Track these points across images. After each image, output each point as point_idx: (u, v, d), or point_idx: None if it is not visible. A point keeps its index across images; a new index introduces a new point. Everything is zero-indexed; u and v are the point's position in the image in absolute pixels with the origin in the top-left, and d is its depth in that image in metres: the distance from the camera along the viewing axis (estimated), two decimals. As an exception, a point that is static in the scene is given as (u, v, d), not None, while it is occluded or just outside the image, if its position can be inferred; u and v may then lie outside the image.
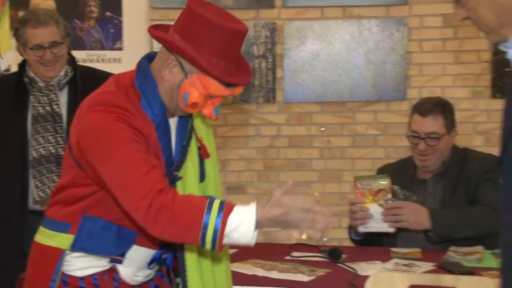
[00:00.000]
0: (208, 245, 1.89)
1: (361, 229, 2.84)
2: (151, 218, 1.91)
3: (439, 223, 2.69)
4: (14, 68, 3.52)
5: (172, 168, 2.14)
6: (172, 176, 2.13)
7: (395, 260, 2.67)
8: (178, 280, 2.29)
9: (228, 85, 2.03)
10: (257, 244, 3.57)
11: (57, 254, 2.14)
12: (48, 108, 3.00)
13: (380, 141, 4.45)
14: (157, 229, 1.93)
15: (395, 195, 2.87)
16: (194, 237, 1.91)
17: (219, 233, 1.86)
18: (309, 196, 2.17)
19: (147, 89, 2.08)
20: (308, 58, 4.39)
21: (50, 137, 3.02)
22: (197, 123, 2.31)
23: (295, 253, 2.91)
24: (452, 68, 4.47)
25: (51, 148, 3.01)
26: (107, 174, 1.99)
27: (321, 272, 2.59)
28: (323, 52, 4.36)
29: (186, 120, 2.22)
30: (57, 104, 2.92)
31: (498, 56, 4.31)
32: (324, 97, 4.40)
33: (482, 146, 4.27)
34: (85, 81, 2.99)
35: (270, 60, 4.39)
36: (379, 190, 2.89)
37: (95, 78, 3.09)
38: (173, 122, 2.18)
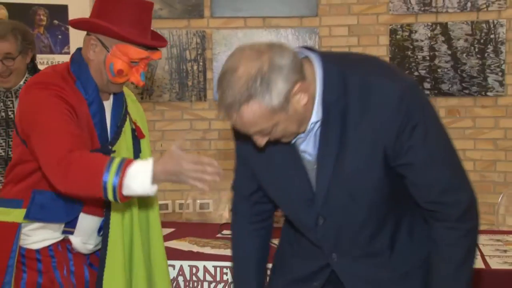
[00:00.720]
0: (110, 196, 1.90)
1: None
2: (59, 175, 1.93)
3: None
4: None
5: (107, 144, 2.19)
6: (106, 150, 2.16)
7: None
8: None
9: (147, 48, 2.11)
10: (192, 224, 3.48)
11: (14, 228, 2.17)
12: (3, 114, 2.94)
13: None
14: (63, 185, 1.94)
15: None
16: (96, 190, 1.91)
17: (118, 183, 1.88)
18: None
19: (81, 73, 2.14)
20: (233, 61, 4.59)
21: (1, 141, 2.98)
22: (131, 108, 2.37)
23: (225, 231, 3.03)
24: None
25: (0, 151, 3.00)
26: (35, 142, 2.01)
27: (247, 248, 2.69)
28: (247, 57, 4.58)
29: (120, 104, 2.28)
30: (12, 110, 2.88)
31: (394, 61, 4.68)
32: (248, 95, 4.62)
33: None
34: None
35: (201, 63, 4.66)
36: None
37: None
38: (107, 104, 2.23)
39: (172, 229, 3.07)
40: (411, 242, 1.84)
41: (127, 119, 2.30)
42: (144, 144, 2.36)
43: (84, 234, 2.23)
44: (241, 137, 1.86)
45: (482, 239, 3.03)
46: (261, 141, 1.72)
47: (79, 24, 2.16)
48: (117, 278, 2.19)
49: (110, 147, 2.18)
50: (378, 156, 1.74)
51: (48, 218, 2.17)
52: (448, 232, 1.77)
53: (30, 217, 2.14)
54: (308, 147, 1.82)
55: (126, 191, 1.89)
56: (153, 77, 4.86)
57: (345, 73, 1.71)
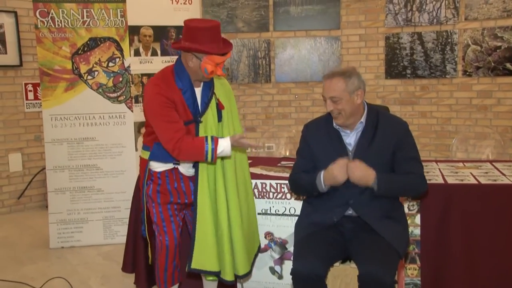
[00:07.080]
0: (209, 159, 2.34)
1: None
2: (175, 154, 2.33)
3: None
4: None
5: (198, 115, 2.44)
6: (196, 120, 2.44)
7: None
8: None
9: (222, 54, 2.35)
10: (262, 158, 3.95)
11: (145, 162, 2.56)
12: None
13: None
14: (179, 158, 2.37)
15: None
16: (201, 158, 2.35)
17: (214, 154, 2.32)
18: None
19: (179, 72, 2.40)
20: (287, 58, 5.62)
21: None
22: (218, 89, 2.55)
23: (283, 162, 3.33)
24: (365, 63, 5.62)
25: None
26: (155, 129, 2.38)
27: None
28: (296, 55, 5.61)
29: (208, 88, 2.49)
30: None
31: (388, 57, 5.45)
32: (297, 79, 5.63)
33: (382, 104, 5.13)
34: None
35: (267, 59, 5.69)
36: None
37: None
38: (198, 90, 2.47)
39: (250, 161, 3.10)
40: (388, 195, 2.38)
41: (213, 97, 2.52)
42: (224, 113, 2.58)
43: (185, 165, 2.57)
44: (309, 132, 2.35)
45: (442, 166, 3.28)
46: (329, 106, 2.16)
47: (181, 49, 2.39)
48: (204, 190, 2.50)
49: (199, 118, 2.44)
50: (389, 150, 2.26)
51: (160, 158, 2.52)
52: (414, 178, 2.31)
53: (151, 157, 2.54)
54: (351, 140, 2.34)
55: (217, 155, 2.33)
56: (238, 68, 5.69)
57: (378, 111, 2.37)
